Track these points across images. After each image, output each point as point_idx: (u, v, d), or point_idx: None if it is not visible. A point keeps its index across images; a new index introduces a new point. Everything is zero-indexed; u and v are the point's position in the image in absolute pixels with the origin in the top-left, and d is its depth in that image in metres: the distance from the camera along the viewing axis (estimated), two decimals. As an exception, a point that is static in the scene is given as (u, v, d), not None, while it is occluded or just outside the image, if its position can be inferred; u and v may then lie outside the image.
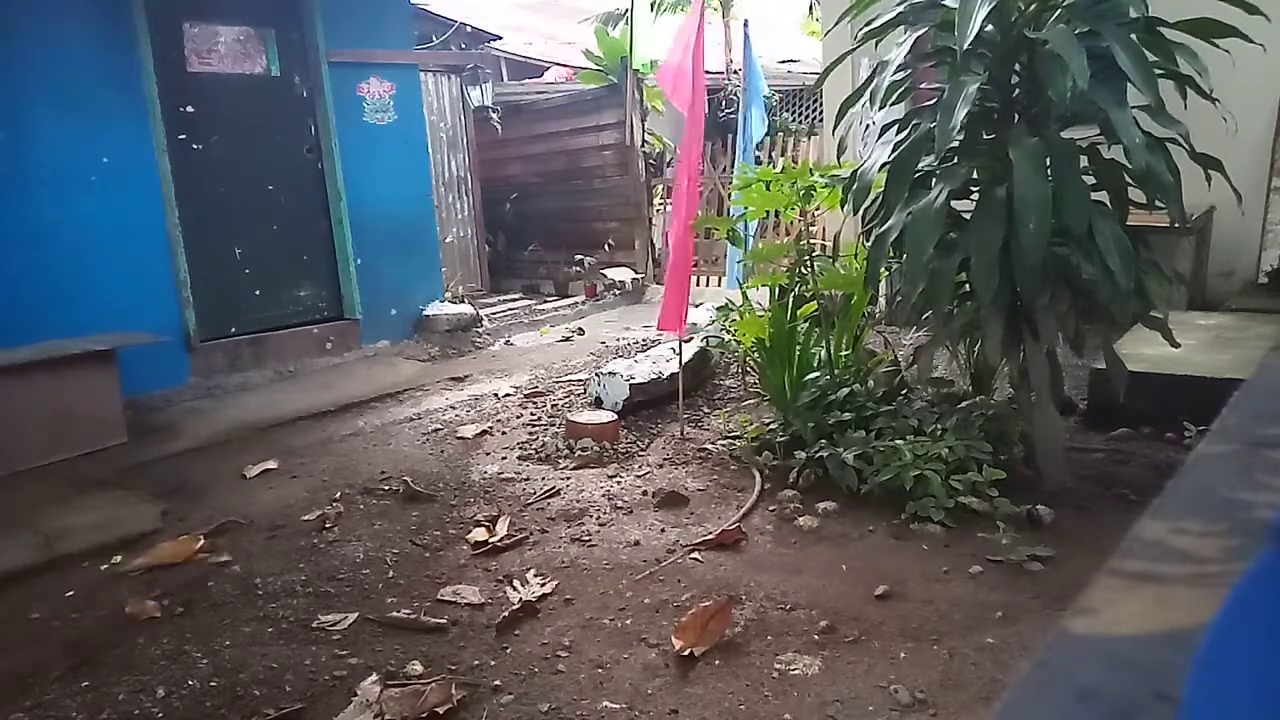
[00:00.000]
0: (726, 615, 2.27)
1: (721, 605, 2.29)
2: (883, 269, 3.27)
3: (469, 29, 9.91)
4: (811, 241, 4.13)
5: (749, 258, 4.29)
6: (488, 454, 3.92)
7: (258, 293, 5.50)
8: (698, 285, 7.89)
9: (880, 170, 2.95)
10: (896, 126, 3.05)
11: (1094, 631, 0.39)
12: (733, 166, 7.04)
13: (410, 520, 3.17)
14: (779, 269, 4.36)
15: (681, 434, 3.97)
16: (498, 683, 2.11)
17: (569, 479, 3.50)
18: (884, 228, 2.97)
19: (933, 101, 2.88)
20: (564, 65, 12.00)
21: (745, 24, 6.37)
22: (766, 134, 7.45)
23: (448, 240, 7.95)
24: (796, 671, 2.08)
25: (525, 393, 4.88)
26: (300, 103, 5.65)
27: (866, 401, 3.40)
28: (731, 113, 6.07)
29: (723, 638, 2.22)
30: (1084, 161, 2.74)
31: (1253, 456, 0.56)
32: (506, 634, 2.34)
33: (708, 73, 4.25)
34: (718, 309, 4.86)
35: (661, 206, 8.99)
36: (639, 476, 3.48)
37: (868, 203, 3.08)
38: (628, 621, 2.37)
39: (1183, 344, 3.01)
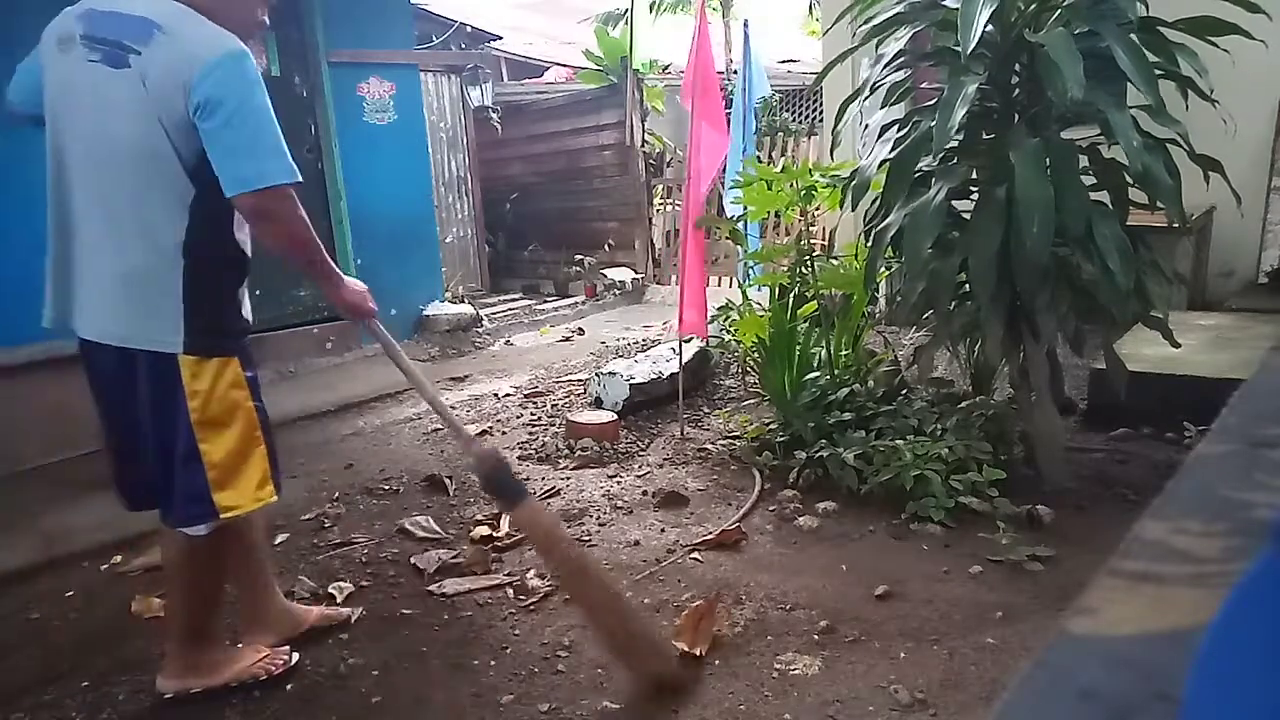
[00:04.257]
0: (714, 612, 2.26)
1: (709, 603, 2.28)
2: (882, 268, 3.27)
3: (469, 29, 9.91)
4: (811, 241, 4.13)
5: (750, 258, 4.30)
6: (488, 454, 3.91)
7: (257, 292, 5.40)
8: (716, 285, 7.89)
9: (880, 169, 2.95)
10: (896, 126, 3.06)
11: (1094, 631, 0.39)
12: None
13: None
14: (779, 269, 4.36)
15: (681, 434, 3.97)
16: (498, 682, 2.11)
17: (569, 479, 3.50)
18: (882, 226, 2.98)
19: (932, 101, 2.88)
20: (564, 65, 12.00)
21: (745, 24, 6.36)
22: (756, 131, 7.44)
23: (448, 240, 7.95)
24: (796, 671, 2.08)
25: (525, 393, 4.88)
26: (300, 103, 5.65)
27: (866, 401, 3.40)
28: (728, 112, 6.06)
29: (720, 635, 2.22)
30: (1084, 161, 2.74)
31: (1253, 456, 0.56)
32: (506, 633, 2.34)
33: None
34: (718, 309, 4.87)
35: (661, 206, 8.98)
36: (639, 476, 3.48)
37: (867, 202, 3.08)
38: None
39: (1183, 344, 3.01)
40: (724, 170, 4.93)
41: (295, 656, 2.20)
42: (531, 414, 4.45)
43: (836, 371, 3.64)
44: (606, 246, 8.80)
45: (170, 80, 1.67)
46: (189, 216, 1.76)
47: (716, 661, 2.14)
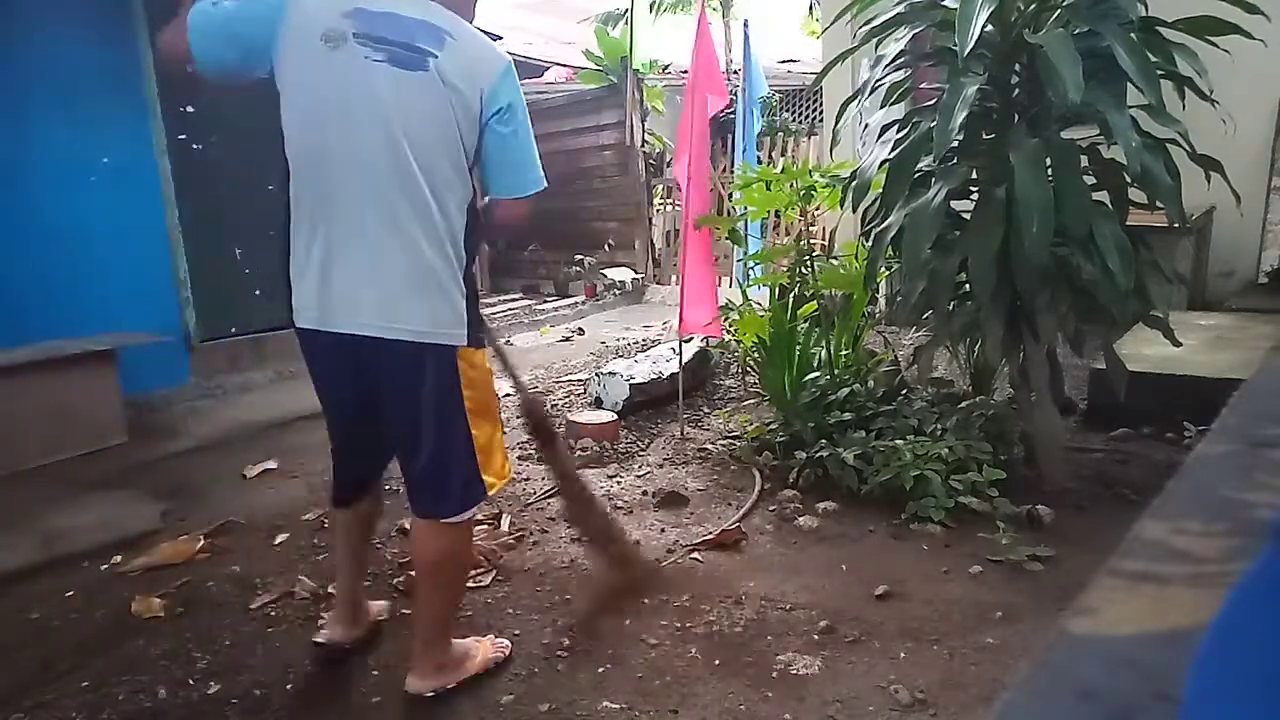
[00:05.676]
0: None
1: None
2: (882, 268, 3.27)
3: (469, 29, 9.90)
4: (811, 242, 4.13)
5: (751, 258, 4.31)
6: (488, 454, 3.91)
7: (258, 293, 5.50)
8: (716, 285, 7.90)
9: (879, 169, 2.95)
10: (896, 126, 3.06)
11: (1094, 631, 0.39)
12: (732, 166, 7.05)
13: (410, 520, 3.17)
14: (779, 269, 4.37)
15: (681, 434, 3.97)
16: (498, 682, 2.11)
17: (569, 479, 3.49)
18: (883, 226, 2.98)
19: (932, 101, 2.88)
20: (564, 65, 12.01)
21: (745, 24, 6.36)
22: (764, 133, 7.47)
23: (448, 240, 7.94)
24: (796, 671, 2.08)
25: (525, 393, 4.87)
26: (300, 103, 5.65)
27: (866, 401, 3.40)
28: (730, 113, 6.07)
29: (720, 634, 2.22)
30: (1084, 161, 2.74)
31: (1253, 456, 0.56)
32: (506, 633, 2.34)
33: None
34: (718, 309, 4.87)
35: (662, 206, 8.99)
36: (639, 476, 3.48)
37: (867, 202, 3.08)
38: (628, 622, 2.37)
39: (1183, 344, 3.01)
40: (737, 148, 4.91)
41: (508, 644, 2.24)
42: (531, 414, 4.45)
43: (836, 371, 3.64)
44: (606, 246, 8.80)
45: (468, 83, 1.74)
46: (466, 215, 1.87)
47: (717, 661, 2.14)
